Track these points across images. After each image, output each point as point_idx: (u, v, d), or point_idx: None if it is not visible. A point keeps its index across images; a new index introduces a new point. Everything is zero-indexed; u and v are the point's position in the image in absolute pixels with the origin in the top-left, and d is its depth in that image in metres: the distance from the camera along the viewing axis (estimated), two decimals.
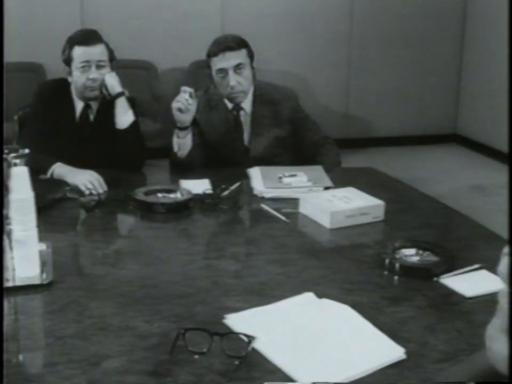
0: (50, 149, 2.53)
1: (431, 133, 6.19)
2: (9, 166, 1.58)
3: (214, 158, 2.73)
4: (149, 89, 5.19)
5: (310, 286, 1.63)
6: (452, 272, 1.70)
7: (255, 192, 2.37)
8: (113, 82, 2.60)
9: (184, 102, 2.52)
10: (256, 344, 1.33)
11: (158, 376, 1.27)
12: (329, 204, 2.12)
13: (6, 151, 1.58)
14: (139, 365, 1.30)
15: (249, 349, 1.31)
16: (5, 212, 1.57)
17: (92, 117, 2.69)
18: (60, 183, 2.36)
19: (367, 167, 2.91)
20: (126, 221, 2.30)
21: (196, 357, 1.31)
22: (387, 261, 1.74)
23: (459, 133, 6.26)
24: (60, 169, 2.44)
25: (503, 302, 0.69)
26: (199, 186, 2.33)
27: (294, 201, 2.24)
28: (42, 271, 1.65)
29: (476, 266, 1.74)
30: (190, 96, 2.53)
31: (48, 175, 2.43)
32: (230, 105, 2.76)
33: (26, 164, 1.60)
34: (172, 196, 2.30)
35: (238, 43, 2.69)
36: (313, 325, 1.45)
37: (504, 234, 1.87)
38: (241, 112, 2.77)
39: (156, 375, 1.27)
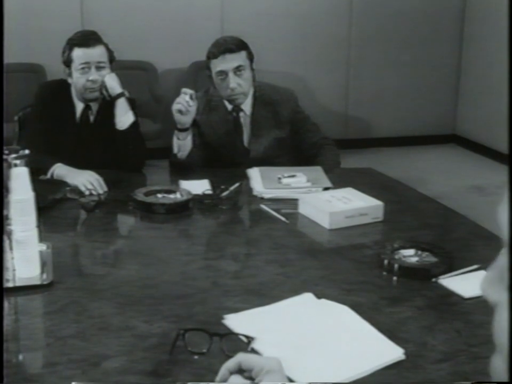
0: (51, 149, 2.54)
1: (430, 134, 6.19)
2: (10, 166, 1.58)
3: (214, 159, 2.74)
4: (149, 90, 5.19)
5: (309, 286, 1.63)
6: (450, 273, 1.71)
7: (255, 192, 2.37)
8: (113, 84, 2.61)
9: (185, 104, 2.52)
10: (256, 345, 1.33)
11: (158, 376, 1.27)
12: (329, 204, 2.13)
13: (6, 151, 1.59)
14: (139, 365, 1.30)
15: (249, 349, 1.31)
16: (5, 212, 1.57)
17: (92, 118, 2.69)
18: (60, 184, 2.36)
19: (366, 168, 2.91)
20: (126, 221, 2.30)
21: (196, 357, 1.31)
22: (386, 261, 1.74)
23: (458, 133, 6.26)
24: (60, 170, 2.44)
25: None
26: (199, 186, 2.33)
27: (293, 202, 2.24)
28: (42, 272, 1.65)
29: (475, 266, 1.74)
30: (191, 98, 2.53)
31: (48, 175, 2.44)
32: (229, 107, 2.77)
33: (26, 165, 1.60)
34: (171, 196, 2.30)
35: (238, 45, 2.69)
36: (312, 326, 1.45)
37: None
38: (241, 114, 2.78)
39: (156, 375, 1.27)
